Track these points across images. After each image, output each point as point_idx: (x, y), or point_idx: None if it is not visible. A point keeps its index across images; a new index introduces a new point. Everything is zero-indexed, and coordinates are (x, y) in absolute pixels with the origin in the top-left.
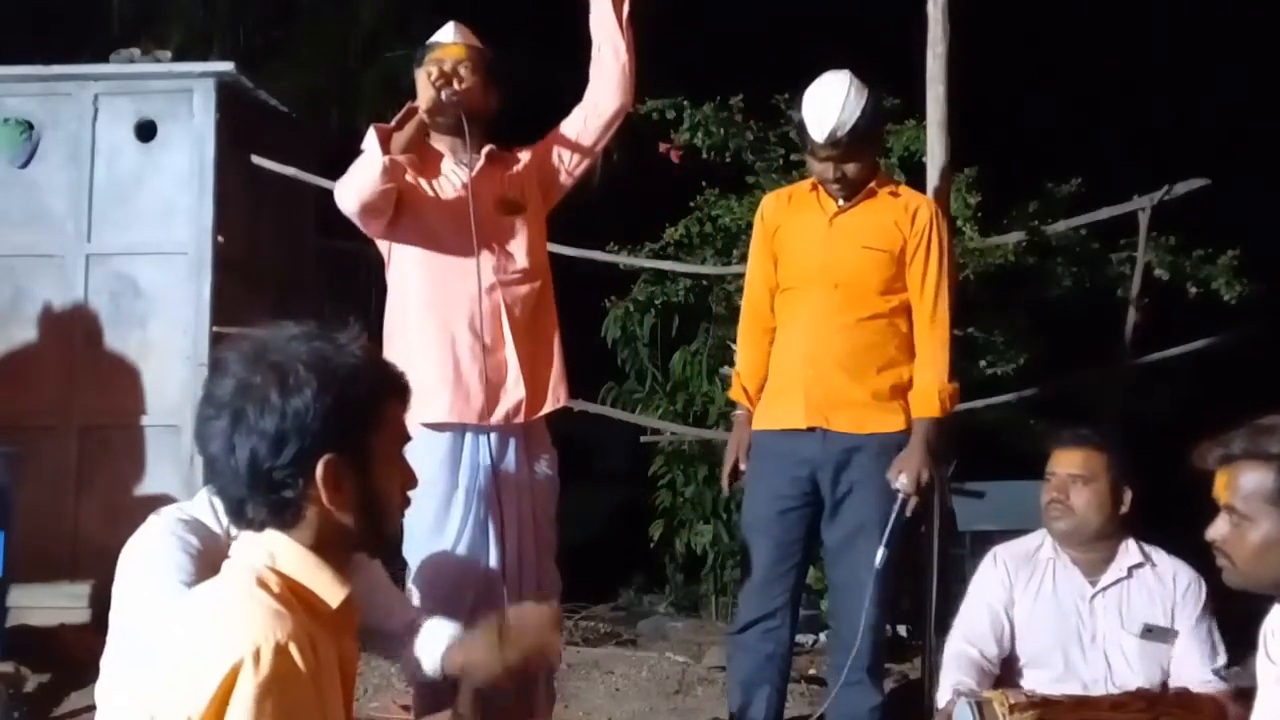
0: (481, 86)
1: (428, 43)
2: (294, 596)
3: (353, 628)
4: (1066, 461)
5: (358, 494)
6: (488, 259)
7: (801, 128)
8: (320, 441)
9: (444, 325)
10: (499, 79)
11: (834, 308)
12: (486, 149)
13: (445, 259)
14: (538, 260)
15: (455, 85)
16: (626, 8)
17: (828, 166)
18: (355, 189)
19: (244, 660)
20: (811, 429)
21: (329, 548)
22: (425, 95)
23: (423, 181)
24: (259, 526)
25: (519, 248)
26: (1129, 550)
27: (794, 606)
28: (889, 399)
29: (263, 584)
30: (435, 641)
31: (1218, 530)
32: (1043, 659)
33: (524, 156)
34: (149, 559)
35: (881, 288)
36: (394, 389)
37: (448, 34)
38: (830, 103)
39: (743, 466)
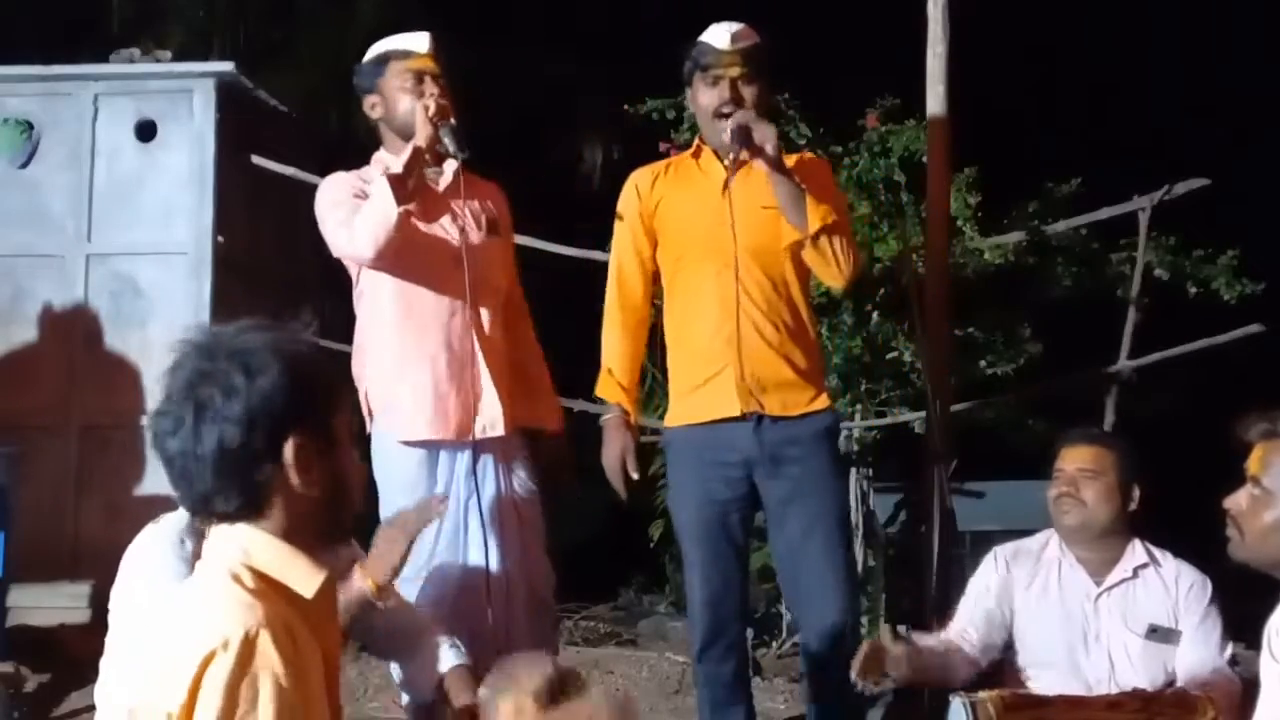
0: (452, 95)
1: (393, 47)
2: (269, 589)
3: (334, 613)
4: (1075, 458)
5: (324, 476)
6: (466, 276)
7: (701, 53)
8: (288, 423)
9: (421, 342)
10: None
11: (748, 282)
12: (455, 166)
13: (425, 275)
14: (509, 277)
15: (451, 120)
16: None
17: (725, 87)
18: (371, 241)
19: (214, 651)
20: (745, 416)
21: (300, 534)
22: (423, 132)
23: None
24: (230, 519)
25: (494, 266)
26: (1135, 551)
27: (746, 615)
28: (811, 376)
29: (236, 579)
30: (436, 665)
31: (1236, 500)
32: (1046, 658)
33: (499, 200)
34: (146, 565)
35: (787, 251)
36: (343, 375)
37: (422, 44)
38: (728, 23)
39: (633, 473)
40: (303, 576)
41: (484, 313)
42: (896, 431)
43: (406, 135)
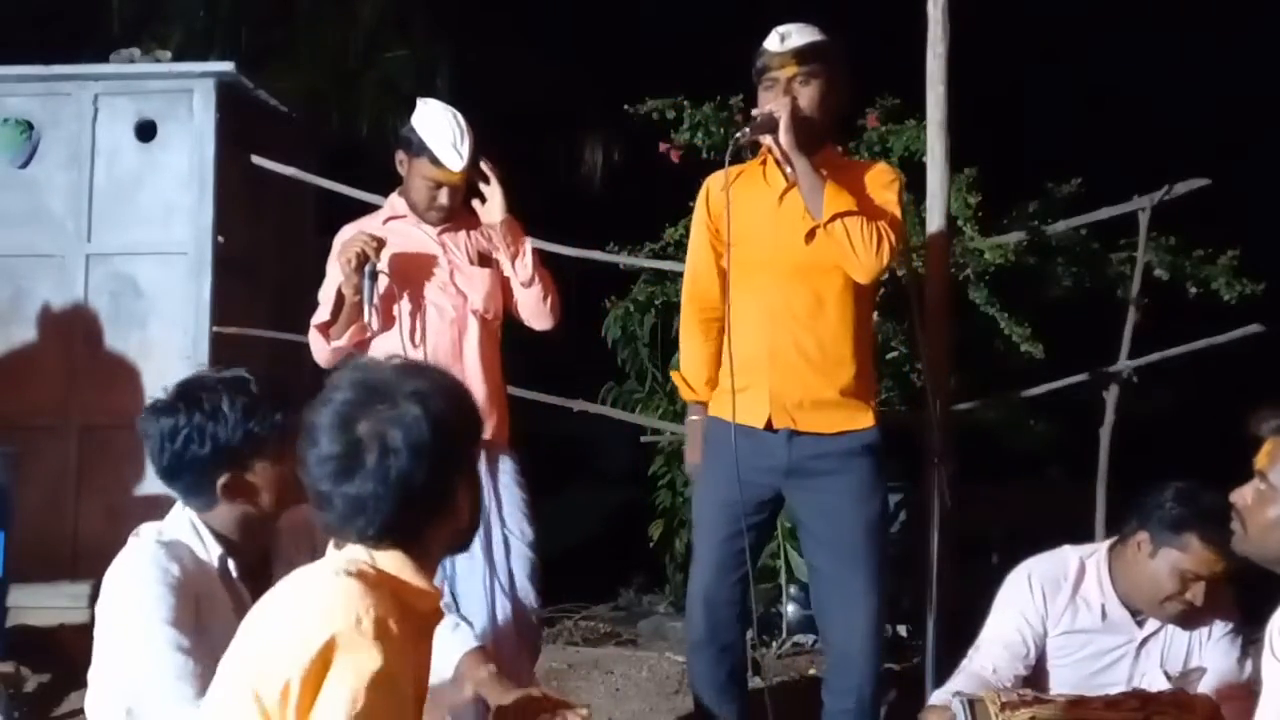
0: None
1: (435, 149)
2: (389, 592)
3: (431, 634)
4: (1213, 567)
5: (470, 504)
6: (457, 298)
7: (758, 57)
8: (458, 462)
9: (413, 354)
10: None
11: (794, 297)
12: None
13: (419, 298)
14: (495, 305)
15: (373, 262)
16: (530, 261)
17: (779, 90)
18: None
19: (342, 630)
20: (776, 430)
21: (429, 557)
22: (349, 282)
23: (395, 240)
24: (388, 547)
25: (479, 292)
26: None
27: (745, 615)
28: (856, 395)
29: (359, 574)
30: (453, 645)
31: (1242, 495)
32: (1074, 688)
33: (493, 233)
34: (131, 592)
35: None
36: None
37: (455, 162)
38: (787, 24)
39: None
40: (419, 593)
41: (470, 330)
42: (896, 431)
43: (413, 205)
